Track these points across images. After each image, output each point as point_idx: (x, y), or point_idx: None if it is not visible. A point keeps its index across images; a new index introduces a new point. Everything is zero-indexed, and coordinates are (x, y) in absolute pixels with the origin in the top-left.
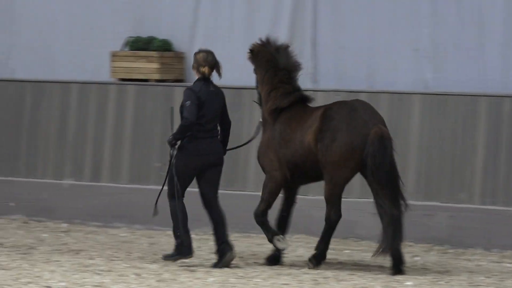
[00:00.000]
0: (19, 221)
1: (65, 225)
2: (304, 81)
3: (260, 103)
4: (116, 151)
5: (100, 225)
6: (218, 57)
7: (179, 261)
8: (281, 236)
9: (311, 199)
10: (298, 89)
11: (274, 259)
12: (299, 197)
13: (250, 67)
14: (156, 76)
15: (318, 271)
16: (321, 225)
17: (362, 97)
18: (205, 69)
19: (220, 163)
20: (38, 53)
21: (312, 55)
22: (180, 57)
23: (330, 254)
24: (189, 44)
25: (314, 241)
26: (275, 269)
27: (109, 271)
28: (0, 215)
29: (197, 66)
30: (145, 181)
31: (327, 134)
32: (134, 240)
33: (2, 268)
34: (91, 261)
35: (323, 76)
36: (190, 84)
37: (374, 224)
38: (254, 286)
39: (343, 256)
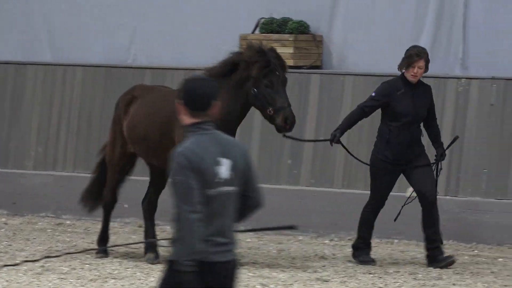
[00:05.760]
0: (133, 224)
1: None
2: (452, 67)
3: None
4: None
5: None
6: (358, 41)
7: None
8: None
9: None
10: None
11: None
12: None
13: (392, 54)
14: (290, 62)
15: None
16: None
17: None
18: None
19: None
20: (165, 38)
21: (462, 38)
22: (318, 40)
23: None
24: (327, 27)
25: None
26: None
27: None
28: (114, 218)
29: None
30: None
31: None
32: (261, 246)
33: (113, 278)
34: None
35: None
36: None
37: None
38: None
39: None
